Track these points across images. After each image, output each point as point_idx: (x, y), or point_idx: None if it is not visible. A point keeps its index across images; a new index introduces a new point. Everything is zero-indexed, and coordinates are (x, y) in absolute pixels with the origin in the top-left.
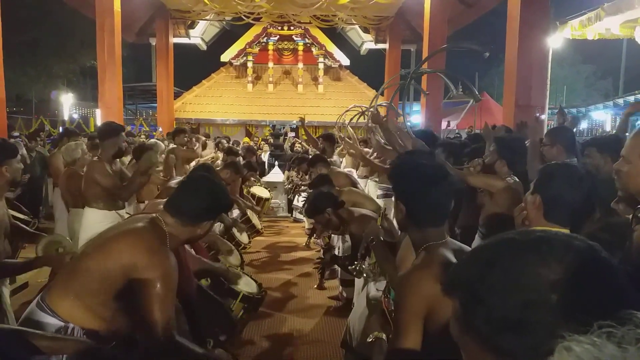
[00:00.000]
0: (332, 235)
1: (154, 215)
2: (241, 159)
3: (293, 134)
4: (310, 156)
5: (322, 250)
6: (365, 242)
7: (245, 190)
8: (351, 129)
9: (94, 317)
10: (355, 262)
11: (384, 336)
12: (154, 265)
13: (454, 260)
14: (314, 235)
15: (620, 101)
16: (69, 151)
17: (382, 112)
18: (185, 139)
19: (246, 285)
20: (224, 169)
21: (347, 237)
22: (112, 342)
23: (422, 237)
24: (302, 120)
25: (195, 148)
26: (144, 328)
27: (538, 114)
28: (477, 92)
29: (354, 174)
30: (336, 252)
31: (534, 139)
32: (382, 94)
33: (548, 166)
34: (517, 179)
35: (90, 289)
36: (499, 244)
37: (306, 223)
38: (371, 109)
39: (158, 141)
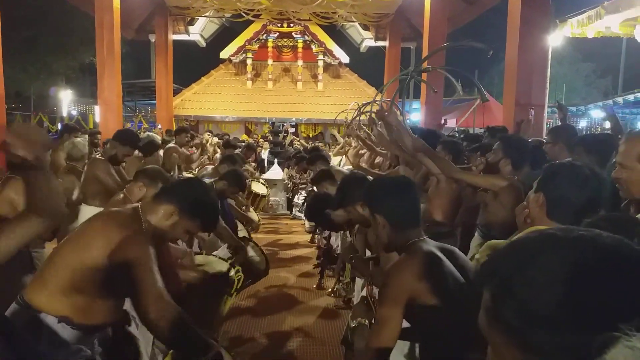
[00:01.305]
0: (331, 234)
1: (135, 205)
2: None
3: (293, 129)
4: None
5: (321, 250)
6: (341, 262)
7: None
8: (354, 127)
9: (74, 308)
10: (334, 286)
11: (367, 322)
12: (130, 244)
13: (437, 252)
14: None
15: (620, 99)
16: (79, 147)
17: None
18: (186, 138)
19: (218, 264)
20: (220, 181)
21: (346, 234)
22: (95, 333)
23: (404, 238)
24: None
25: (193, 153)
26: (139, 313)
27: (532, 114)
28: (484, 92)
29: None
30: (336, 250)
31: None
32: (381, 92)
33: (553, 165)
34: (517, 177)
35: (68, 280)
36: (538, 239)
37: (306, 222)
38: (377, 104)
39: (155, 135)
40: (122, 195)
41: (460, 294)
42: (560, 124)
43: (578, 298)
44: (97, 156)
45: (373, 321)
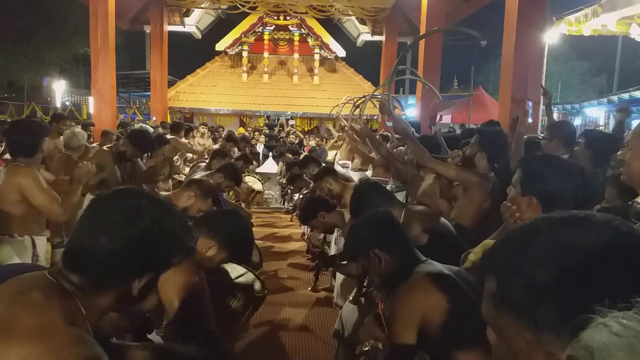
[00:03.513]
0: (326, 236)
1: None
2: (237, 149)
3: (293, 121)
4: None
5: (313, 248)
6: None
7: None
8: (345, 122)
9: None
10: (354, 295)
11: (380, 345)
12: (176, 272)
13: (445, 270)
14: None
15: (615, 98)
16: (79, 137)
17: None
18: (181, 133)
19: (247, 282)
20: (215, 174)
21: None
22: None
23: (406, 261)
24: None
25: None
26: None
27: (529, 106)
28: (436, 91)
29: (350, 166)
30: (331, 250)
31: (519, 130)
32: (382, 86)
33: (532, 162)
34: (493, 174)
35: None
36: (536, 221)
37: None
38: (380, 99)
39: (143, 125)
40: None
41: (473, 310)
42: (545, 109)
43: (575, 267)
44: (105, 148)
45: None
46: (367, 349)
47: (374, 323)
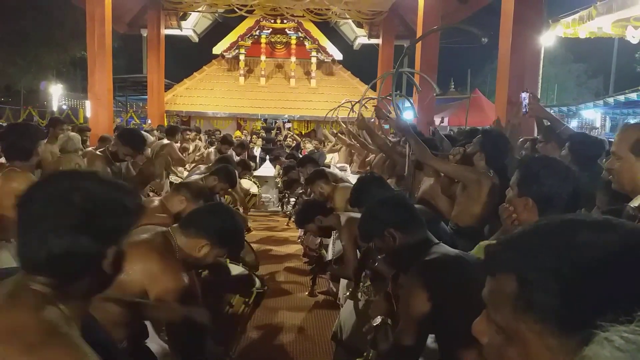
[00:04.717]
0: (322, 240)
1: (164, 229)
2: (234, 154)
3: (290, 124)
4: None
5: (310, 255)
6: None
7: None
8: (344, 124)
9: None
10: (351, 289)
11: (390, 321)
12: (167, 276)
13: (459, 253)
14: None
15: (611, 100)
16: (74, 140)
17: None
18: (179, 137)
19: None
20: (210, 176)
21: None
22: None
23: (417, 238)
24: None
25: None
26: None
27: (523, 98)
28: (435, 86)
29: (348, 170)
30: (329, 255)
31: (513, 122)
32: (374, 89)
33: (529, 164)
34: (492, 173)
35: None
36: (554, 221)
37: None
38: (374, 105)
39: (145, 133)
40: (157, 203)
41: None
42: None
43: (621, 273)
44: (98, 152)
45: (396, 322)
46: (377, 324)
47: (383, 301)
